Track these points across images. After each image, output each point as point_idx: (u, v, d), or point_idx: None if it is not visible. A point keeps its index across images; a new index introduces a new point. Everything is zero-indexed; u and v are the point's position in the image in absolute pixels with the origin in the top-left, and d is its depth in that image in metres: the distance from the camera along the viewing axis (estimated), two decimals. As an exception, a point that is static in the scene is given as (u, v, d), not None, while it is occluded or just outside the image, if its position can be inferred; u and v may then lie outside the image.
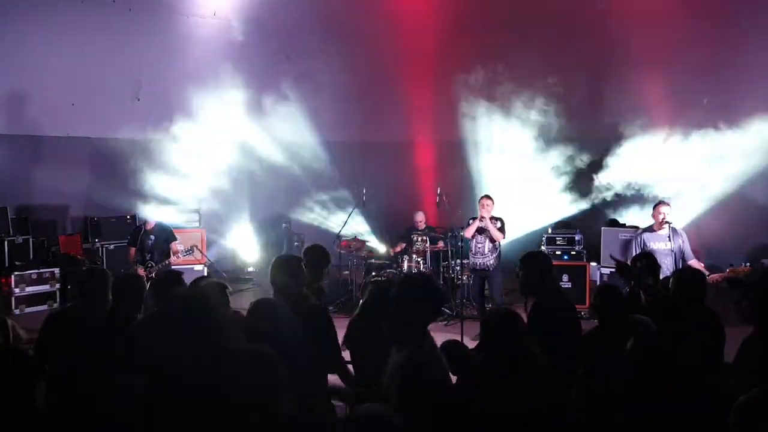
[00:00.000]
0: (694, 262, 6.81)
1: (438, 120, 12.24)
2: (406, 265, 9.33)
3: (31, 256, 9.87)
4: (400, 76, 11.96)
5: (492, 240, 8.39)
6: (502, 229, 8.45)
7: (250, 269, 12.69)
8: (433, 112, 12.14)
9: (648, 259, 5.31)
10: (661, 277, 6.37)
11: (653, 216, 7.07)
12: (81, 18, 10.44)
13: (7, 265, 9.56)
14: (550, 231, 9.74)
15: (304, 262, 4.45)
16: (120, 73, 10.98)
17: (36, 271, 9.50)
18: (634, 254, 6.65)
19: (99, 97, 10.86)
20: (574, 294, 8.91)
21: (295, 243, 12.37)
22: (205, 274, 9.58)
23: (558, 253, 9.28)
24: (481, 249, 8.46)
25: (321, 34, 11.97)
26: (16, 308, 9.20)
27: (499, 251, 8.47)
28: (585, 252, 9.38)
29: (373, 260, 9.78)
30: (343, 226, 9.97)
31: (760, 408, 2.48)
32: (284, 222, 12.84)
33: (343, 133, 12.89)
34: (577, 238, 9.42)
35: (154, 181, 11.67)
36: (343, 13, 11.64)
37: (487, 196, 8.50)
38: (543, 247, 9.46)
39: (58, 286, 9.56)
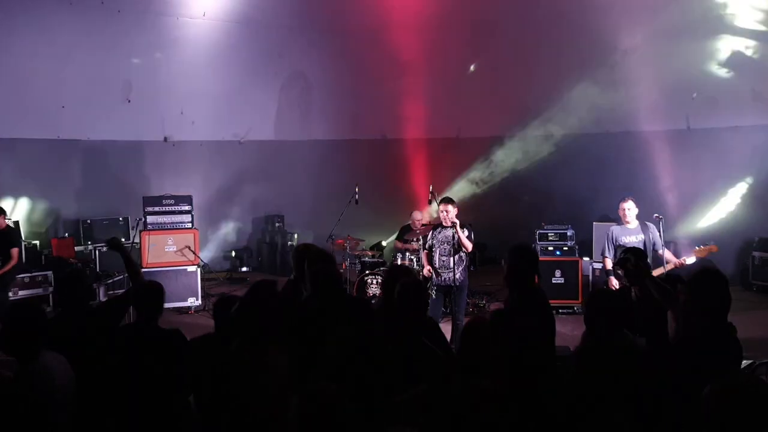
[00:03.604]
0: (665, 252, 6.95)
1: (431, 116, 12.30)
2: (399, 263, 9.35)
3: (24, 260, 9.82)
4: (393, 72, 11.98)
5: (457, 251, 7.14)
6: (470, 238, 7.20)
7: (244, 269, 12.70)
8: (426, 109, 12.19)
9: (631, 253, 5.32)
10: None
11: (619, 213, 7.19)
12: (70, 19, 10.39)
13: (-1, 269, 9.50)
14: (543, 226, 9.77)
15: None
16: (110, 75, 10.95)
17: (29, 274, 9.45)
18: (607, 249, 7.05)
19: (89, 99, 10.83)
20: (566, 289, 8.98)
21: (289, 241, 12.39)
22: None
23: (550, 248, 9.31)
24: (445, 262, 7.18)
25: (312, 32, 11.98)
26: (9, 312, 9.16)
27: (466, 263, 7.30)
28: (577, 247, 9.42)
29: (367, 258, 9.79)
30: (336, 224, 9.97)
31: (732, 393, 2.50)
32: (277, 221, 12.86)
33: (335, 131, 12.92)
34: (569, 233, 9.46)
35: (146, 182, 11.70)
36: (334, 11, 11.65)
37: (449, 200, 7.35)
38: (535, 243, 9.50)
39: (51, 289, 9.51)
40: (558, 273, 9.11)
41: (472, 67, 11.85)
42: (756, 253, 10.36)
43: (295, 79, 12.77)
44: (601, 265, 7.47)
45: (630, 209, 7.06)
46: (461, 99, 12.04)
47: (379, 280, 8.96)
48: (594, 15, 10.31)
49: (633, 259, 5.04)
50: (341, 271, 9.99)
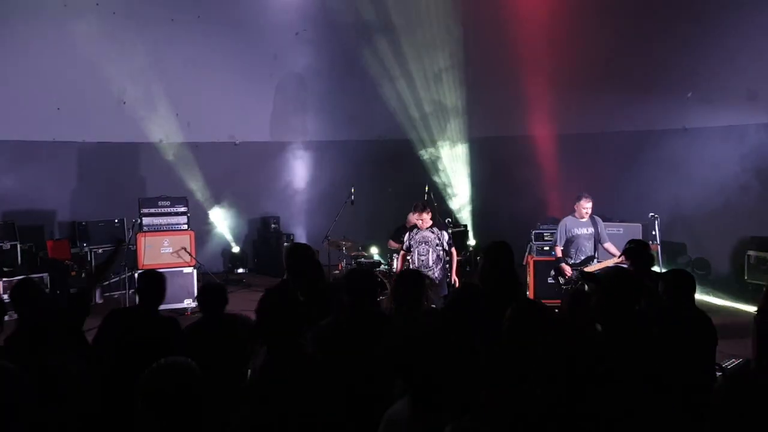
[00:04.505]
0: (609, 245, 7.72)
1: (428, 117, 12.31)
2: (395, 263, 9.35)
3: (19, 262, 9.81)
4: (390, 72, 12.00)
5: (436, 251, 7.45)
6: (450, 242, 7.50)
7: (240, 270, 12.69)
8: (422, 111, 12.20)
9: (636, 243, 5.37)
10: (582, 258, 7.71)
11: (576, 207, 7.88)
12: (65, 22, 10.38)
13: (-6, 271, 9.49)
14: (538, 226, 9.78)
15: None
16: (105, 77, 10.94)
17: (24, 276, 9.43)
18: (559, 238, 7.93)
19: (84, 102, 10.82)
20: (560, 288, 8.96)
21: (285, 242, 12.38)
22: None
23: (546, 248, 9.32)
24: (424, 261, 7.47)
25: (307, 33, 11.99)
26: (5, 315, 9.13)
27: (444, 262, 7.54)
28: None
29: (363, 259, 9.79)
30: (332, 225, 9.99)
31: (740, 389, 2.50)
32: (273, 222, 12.85)
33: (330, 132, 12.93)
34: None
35: (141, 183, 11.70)
36: (330, 11, 11.67)
37: (423, 207, 7.57)
38: (531, 243, 9.51)
39: (46, 291, 9.49)
40: (554, 273, 9.10)
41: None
42: (751, 252, 10.36)
43: (290, 80, 12.78)
44: (554, 254, 8.15)
45: (589, 207, 7.81)
46: (458, 99, 12.05)
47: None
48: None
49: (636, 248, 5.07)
50: (337, 272, 10.00)
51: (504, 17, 11.10)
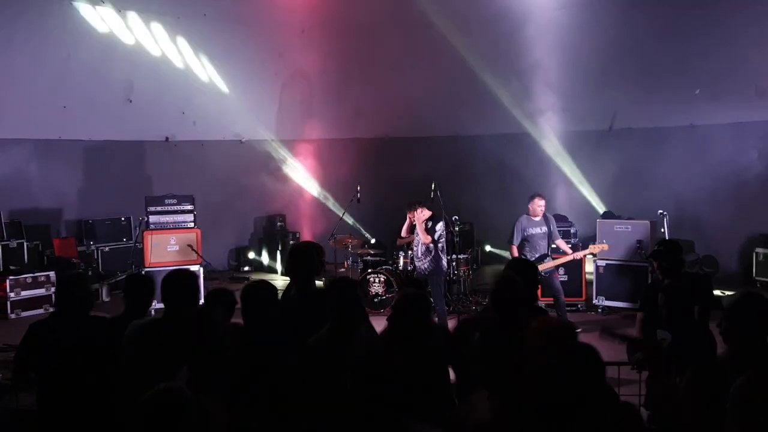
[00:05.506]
0: (560, 242, 8.16)
1: (432, 115, 12.25)
2: (401, 261, 9.36)
3: (26, 260, 9.83)
4: (394, 71, 11.94)
5: (426, 244, 7.82)
6: (431, 230, 7.78)
7: (246, 268, 12.69)
8: (427, 108, 12.14)
9: (666, 245, 5.18)
10: (537, 256, 7.80)
11: (530, 206, 8.01)
12: (71, 20, 10.39)
13: (1, 269, 9.51)
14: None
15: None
16: (111, 75, 10.94)
17: (31, 275, 9.45)
18: (516, 237, 7.95)
19: (91, 100, 10.82)
20: (570, 287, 8.93)
21: (291, 241, 12.38)
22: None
23: (554, 246, 9.26)
24: (416, 252, 7.98)
25: (313, 31, 11.96)
26: (11, 313, 9.16)
27: (435, 254, 7.76)
28: (581, 244, 9.38)
29: (368, 257, 9.78)
30: (338, 223, 9.98)
31: (757, 389, 2.48)
32: (279, 220, 12.85)
33: (337, 130, 12.91)
34: (572, 230, 9.43)
35: (147, 182, 11.70)
36: (335, 9, 11.63)
37: (414, 207, 7.95)
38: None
39: (53, 289, 9.51)
40: (561, 270, 9.05)
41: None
42: (759, 250, 10.31)
43: (296, 78, 12.76)
44: (509, 252, 8.24)
45: (543, 206, 7.99)
46: (461, 98, 11.98)
47: (382, 279, 8.97)
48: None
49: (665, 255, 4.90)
50: (342, 270, 9.99)
51: (510, 15, 11.03)
